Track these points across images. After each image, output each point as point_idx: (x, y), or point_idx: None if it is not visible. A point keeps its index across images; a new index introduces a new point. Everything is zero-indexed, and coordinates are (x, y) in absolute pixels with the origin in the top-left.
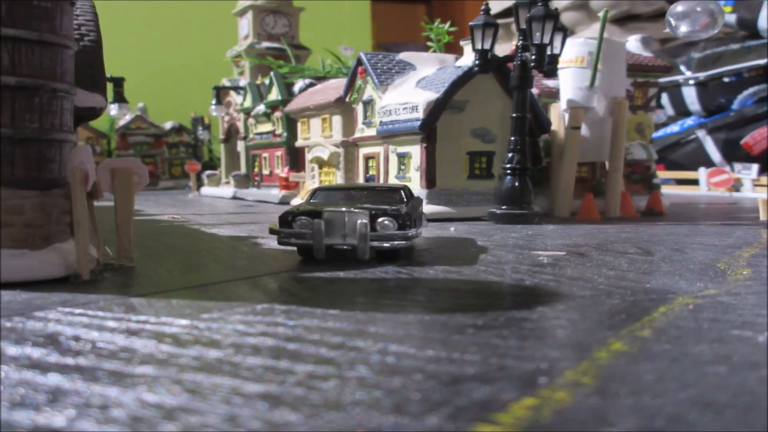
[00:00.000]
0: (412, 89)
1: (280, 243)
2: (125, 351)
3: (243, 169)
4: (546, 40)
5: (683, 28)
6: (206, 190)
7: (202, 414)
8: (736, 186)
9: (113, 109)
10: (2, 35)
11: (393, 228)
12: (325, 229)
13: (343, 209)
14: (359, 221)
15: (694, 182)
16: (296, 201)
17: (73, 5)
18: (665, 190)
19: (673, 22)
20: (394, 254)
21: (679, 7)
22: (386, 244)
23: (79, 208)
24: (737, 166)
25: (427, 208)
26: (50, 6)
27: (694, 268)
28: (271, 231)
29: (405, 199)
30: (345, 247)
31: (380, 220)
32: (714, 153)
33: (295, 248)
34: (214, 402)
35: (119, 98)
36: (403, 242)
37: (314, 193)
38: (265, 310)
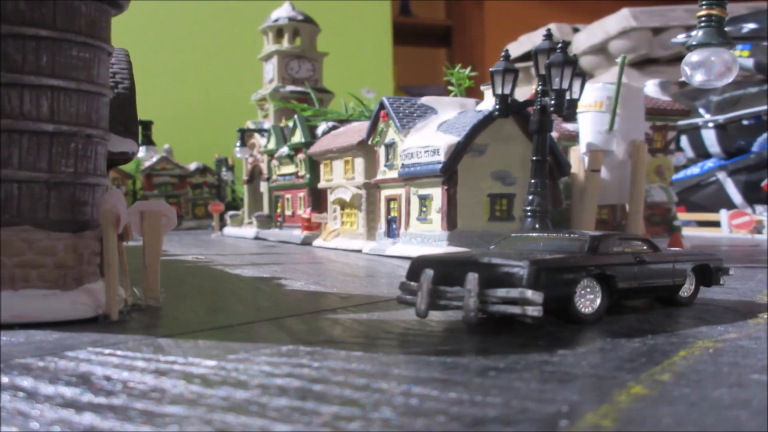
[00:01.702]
0: (433, 132)
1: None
2: (155, 391)
3: (266, 210)
4: (565, 85)
5: (698, 77)
6: (229, 230)
7: None
8: (758, 228)
9: (141, 151)
10: (43, 84)
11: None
12: None
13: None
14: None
15: (716, 224)
16: (318, 242)
17: (110, 55)
18: (686, 231)
19: (688, 71)
20: None
21: (694, 57)
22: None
23: (111, 251)
24: (759, 208)
25: (448, 250)
26: (89, 56)
27: (714, 311)
28: None
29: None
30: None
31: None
32: (735, 195)
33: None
34: None
35: (147, 141)
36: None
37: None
38: (290, 352)
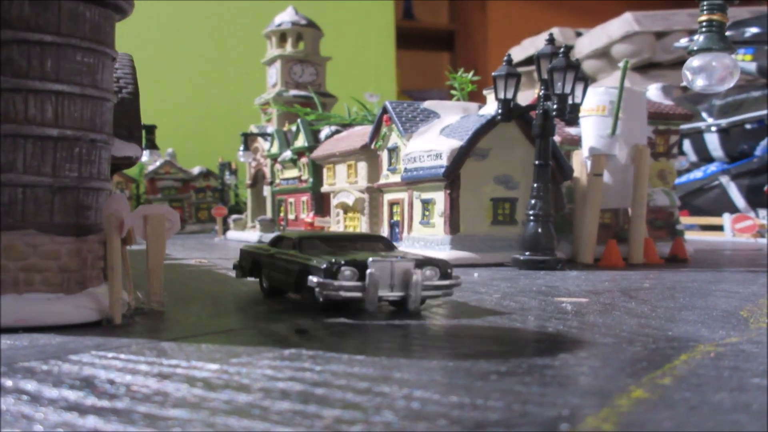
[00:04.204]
0: (436, 137)
1: (325, 299)
2: (158, 394)
3: (269, 214)
4: (567, 89)
5: (700, 82)
6: (232, 234)
7: None
8: (761, 232)
9: (144, 156)
10: (47, 89)
11: (436, 277)
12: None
13: (390, 258)
14: (411, 270)
15: (719, 228)
16: None
17: (114, 60)
18: (689, 236)
19: (689, 76)
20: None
21: (695, 62)
22: (434, 293)
23: (114, 254)
24: (762, 211)
25: (451, 254)
26: (93, 62)
27: (716, 315)
28: (312, 285)
29: (390, 248)
30: (394, 298)
31: (424, 269)
32: (738, 199)
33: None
34: None
35: (151, 145)
36: (447, 291)
37: (281, 240)
38: (293, 356)
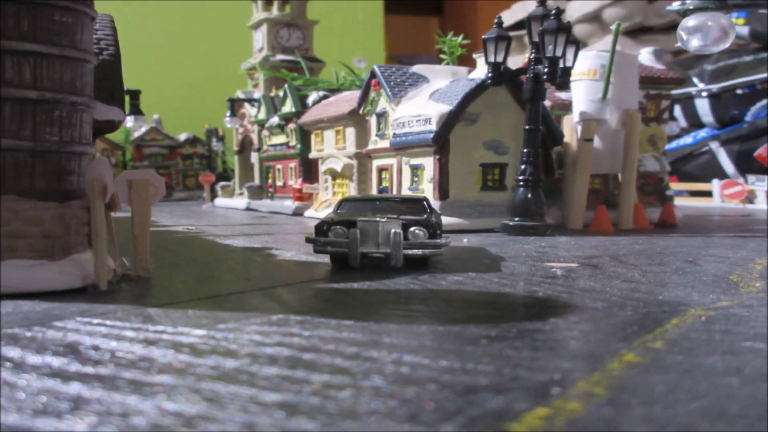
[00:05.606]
0: (425, 101)
1: (316, 251)
2: (144, 360)
3: (257, 181)
4: (558, 53)
5: (695, 42)
6: (220, 201)
7: (220, 422)
8: (750, 198)
9: (129, 121)
10: (25, 50)
11: (424, 237)
12: (360, 238)
13: (377, 219)
14: (393, 230)
15: (708, 194)
16: (310, 212)
17: (94, 20)
18: (678, 201)
19: (684, 36)
20: (423, 262)
21: (690, 22)
22: (418, 252)
23: (98, 220)
24: (751, 177)
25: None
26: (71, 21)
27: (706, 280)
28: (308, 240)
29: (428, 210)
30: (378, 254)
31: (412, 229)
32: (727, 165)
33: (327, 256)
34: (232, 410)
35: (135, 110)
36: (435, 250)
37: (341, 203)
38: (281, 321)
